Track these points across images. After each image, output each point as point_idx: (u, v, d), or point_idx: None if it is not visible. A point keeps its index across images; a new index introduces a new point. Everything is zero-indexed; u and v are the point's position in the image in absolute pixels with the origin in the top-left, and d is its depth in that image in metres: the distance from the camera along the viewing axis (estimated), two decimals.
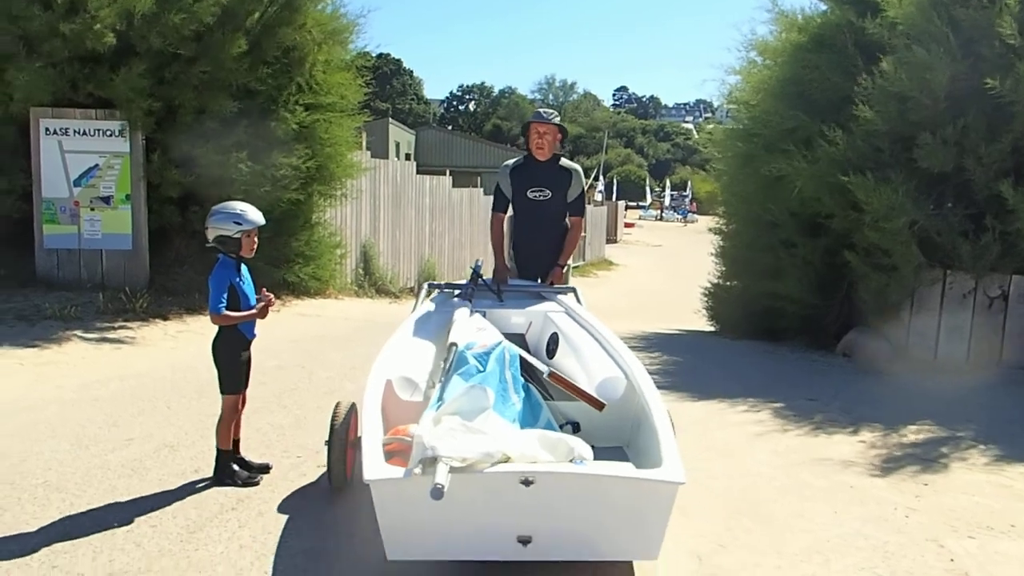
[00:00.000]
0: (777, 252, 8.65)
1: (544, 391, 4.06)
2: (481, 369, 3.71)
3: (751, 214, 9.19)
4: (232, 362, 4.17)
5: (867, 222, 7.46)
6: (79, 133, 9.36)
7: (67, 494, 3.94)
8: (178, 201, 9.68)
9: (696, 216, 66.92)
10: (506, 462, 3.00)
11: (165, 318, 8.82)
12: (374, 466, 2.97)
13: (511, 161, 5.82)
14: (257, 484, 4.17)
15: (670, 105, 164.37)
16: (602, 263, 30.86)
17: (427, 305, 5.05)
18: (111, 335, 7.98)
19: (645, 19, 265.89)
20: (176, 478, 4.23)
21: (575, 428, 3.83)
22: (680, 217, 65.44)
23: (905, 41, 7.52)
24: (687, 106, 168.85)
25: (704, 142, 11.82)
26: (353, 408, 4.10)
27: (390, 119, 50.70)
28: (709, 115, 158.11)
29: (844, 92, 8.02)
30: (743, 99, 9.59)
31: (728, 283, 10.87)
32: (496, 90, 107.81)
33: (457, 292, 5.24)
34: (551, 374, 3.97)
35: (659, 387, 6.37)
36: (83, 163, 9.42)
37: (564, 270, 5.72)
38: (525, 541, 3.03)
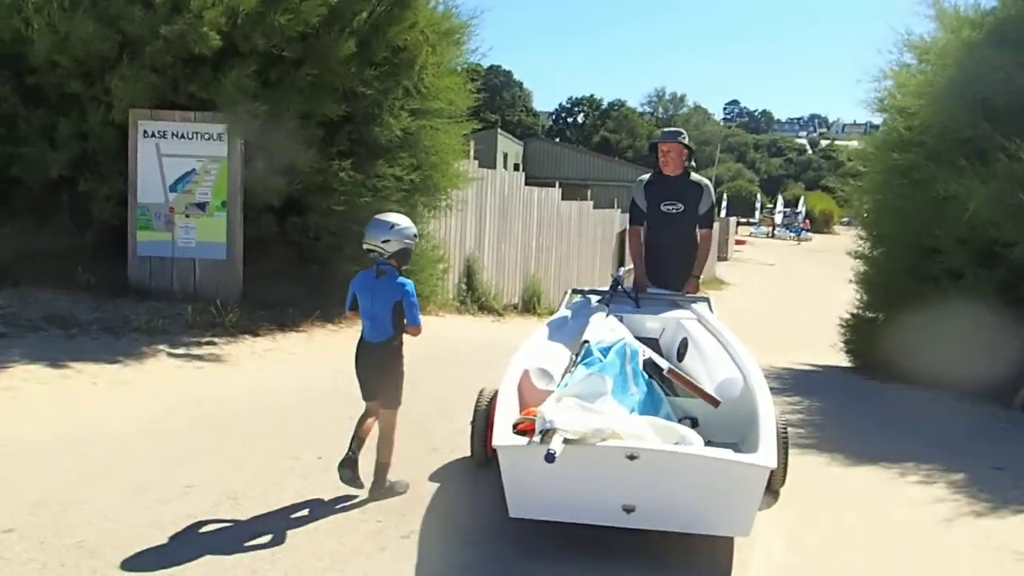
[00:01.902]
0: (941, 283, 7.43)
1: (667, 388, 4.38)
2: (602, 360, 4.12)
3: (908, 237, 7.97)
4: (403, 375, 4.24)
5: None
6: (177, 136, 8.97)
7: (101, 562, 3.28)
8: (276, 210, 9.21)
9: (810, 234, 64.01)
10: (616, 439, 3.40)
11: (255, 334, 8.30)
12: (502, 435, 3.55)
13: (645, 176, 6.16)
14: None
15: (783, 120, 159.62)
16: (712, 282, 29.32)
17: (569, 308, 5.54)
18: (196, 351, 7.48)
19: (758, 32, 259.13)
20: (231, 544, 3.52)
21: (693, 423, 4.17)
22: (793, 235, 62.57)
23: None
24: (800, 121, 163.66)
25: (848, 153, 10.54)
26: (496, 394, 4.27)
27: (499, 130, 50.42)
28: (824, 130, 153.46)
29: None
30: (899, 105, 8.37)
31: (871, 314, 9.63)
32: (605, 103, 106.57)
33: (598, 298, 5.61)
34: (670, 370, 4.34)
35: (806, 442, 5.42)
36: (180, 167, 9.03)
37: (698, 280, 6.13)
38: (629, 510, 3.40)
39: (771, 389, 5.18)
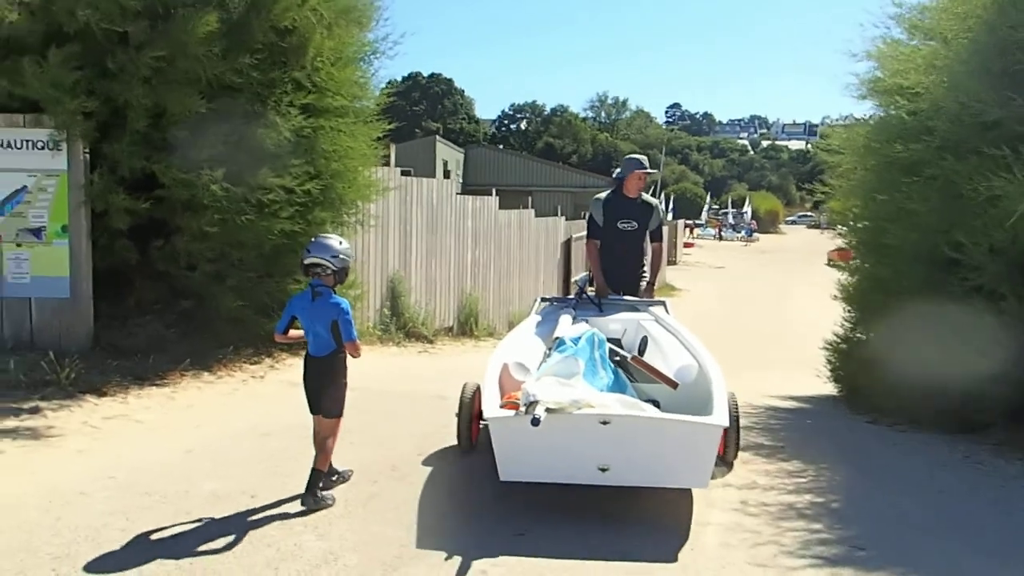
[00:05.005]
0: (968, 305, 5.90)
1: (630, 376, 5.05)
2: (574, 347, 4.79)
3: (918, 246, 6.43)
4: (345, 386, 4.51)
5: None
6: (2, 146, 7.08)
7: None
8: (134, 233, 7.33)
9: (757, 234, 63.65)
10: (590, 408, 4.04)
11: (101, 393, 6.44)
12: (492, 409, 4.20)
13: (602, 195, 6.89)
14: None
15: (724, 121, 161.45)
16: (663, 289, 27.89)
17: (538, 314, 6.09)
18: (9, 423, 5.62)
19: (698, 35, 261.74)
20: None
21: (655, 405, 4.70)
22: (742, 235, 62.06)
23: None
24: (741, 122, 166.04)
25: (825, 146, 8.96)
26: (477, 387, 4.91)
27: (438, 137, 48.74)
28: (764, 131, 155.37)
29: None
30: (897, 85, 6.83)
31: (863, 336, 8.11)
32: (548, 108, 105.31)
33: (564, 304, 6.22)
34: (633, 358, 5.16)
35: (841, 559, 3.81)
36: (7, 184, 7.15)
37: (655, 286, 6.96)
38: (604, 469, 4.00)
39: (761, 446, 5.57)
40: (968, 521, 4.42)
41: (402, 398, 6.78)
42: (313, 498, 4.32)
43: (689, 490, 4.46)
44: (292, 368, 7.78)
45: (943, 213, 6.10)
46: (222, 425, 5.99)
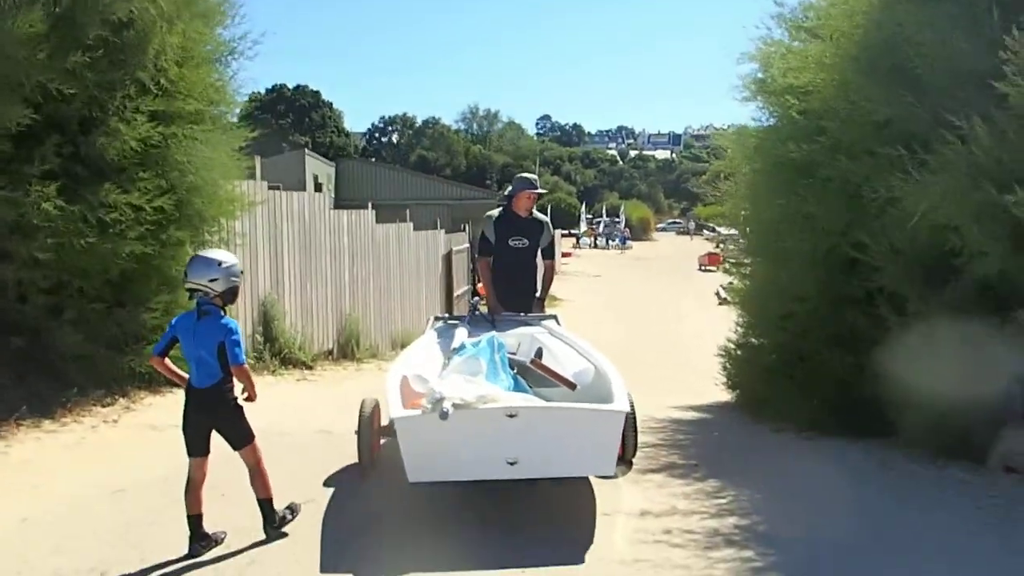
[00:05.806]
0: (869, 309, 5.75)
1: (529, 383, 5.09)
2: (475, 348, 4.97)
3: (816, 248, 6.28)
4: (242, 408, 4.15)
5: None
6: None
7: None
8: None
9: (631, 243, 65.26)
10: (496, 403, 4.22)
11: None
12: (398, 409, 4.23)
13: (494, 212, 6.97)
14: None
15: (593, 132, 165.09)
16: (547, 300, 27.80)
17: (433, 331, 6.23)
18: None
19: (565, 51, 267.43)
20: None
21: None
22: (617, 244, 63.41)
23: None
24: (609, 133, 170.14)
25: (714, 148, 8.84)
26: (376, 404, 5.16)
27: (307, 150, 47.21)
28: (631, 141, 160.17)
29: (973, 64, 5.21)
30: (785, 85, 6.68)
31: (755, 341, 7.99)
32: (419, 120, 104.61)
33: (457, 321, 6.38)
34: (533, 361, 5.27)
35: None
36: None
37: (544, 301, 7.07)
38: (512, 463, 4.09)
39: (674, 466, 5.58)
40: (902, 538, 4.17)
41: (282, 436, 6.05)
42: (273, 527, 4.17)
43: (616, 520, 4.42)
44: (152, 408, 6.90)
45: (840, 215, 5.96)
46: (66, 484, 5.13)
